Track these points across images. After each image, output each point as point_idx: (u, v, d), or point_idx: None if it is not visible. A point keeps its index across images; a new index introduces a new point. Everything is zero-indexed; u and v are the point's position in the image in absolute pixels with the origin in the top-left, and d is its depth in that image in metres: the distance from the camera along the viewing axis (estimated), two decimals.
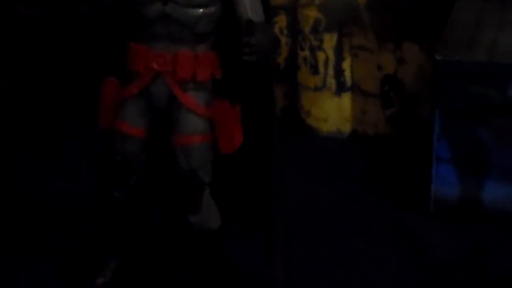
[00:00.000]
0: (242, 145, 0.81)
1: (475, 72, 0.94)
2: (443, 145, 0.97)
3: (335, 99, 1.26)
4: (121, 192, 0.81)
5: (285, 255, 0.86)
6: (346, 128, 1.27)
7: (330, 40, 1.24)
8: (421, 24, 1.16)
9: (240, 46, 0.72)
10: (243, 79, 0.79)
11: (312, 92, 1.26)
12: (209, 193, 0.81)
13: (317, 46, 1.22)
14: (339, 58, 1.24)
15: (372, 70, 1.22)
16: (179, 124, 0.78)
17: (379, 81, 1.22)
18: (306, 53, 1.22)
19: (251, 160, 0.82)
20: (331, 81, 1.25)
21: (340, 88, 1.25)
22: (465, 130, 0.96)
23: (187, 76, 0.77)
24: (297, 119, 1.28)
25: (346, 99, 1.25)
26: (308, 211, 1.07)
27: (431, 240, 0.98)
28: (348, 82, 1.24)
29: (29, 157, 1.15)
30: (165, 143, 0.80)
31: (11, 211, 0.99)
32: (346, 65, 1.23)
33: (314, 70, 1.25)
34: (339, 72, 1.24)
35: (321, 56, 1.23)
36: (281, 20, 1.23)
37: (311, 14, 1.22)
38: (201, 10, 0.74)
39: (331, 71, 1.25)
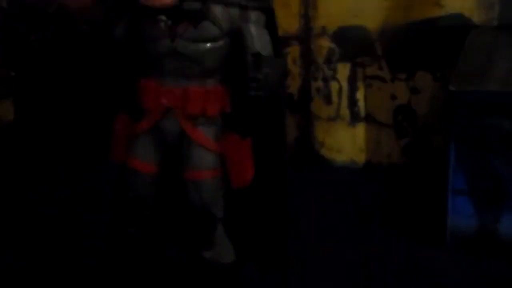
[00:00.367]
0: (254, 179, 0.80)
1: (489, 102, 0.93)
2: (459, 176, 0.96)
3: (349, 129, 1.26)
4: (135, 228, 0.81)
5: None
6: (360, 158, 1.26)
7: (343, 70, 1.24)
8: (433, 54, 1.16)
9: (247, 80, 0.72)
10: (253, 112, 0.78)
11: (325, 122, 1.26)
12: (222, 228, 0.81)
13: (330, 76, 1.22)
14: (353, 88, 1.24)
15: (386, 100, 1.22)
16: (189, 159, 0.78)
17: (393, 111, 1.22)
18: (319, 83, 1.22)
19: (263, 194, 0.82)
20: (345, 111, 1.25)
21: (354, 118, 1.25)
22: (481, 161, 0.95)
23: (197, 111, 0.76)
24: (310, 149, 1.28)
25: (360, 129, 1.25)
26: (323, 242, 1.06)
27: (448, 272, 0.97)
28: (362, 112, 1.24)
29: (42, 189, 1.15)
30: (177, 178, 0.80)
31: (24, 242, 0.99)
32: (360, 95, 1.23)
33: (328, 100, 1.25)
34: (353, 102, 1.24)
35: (334, 86, 1.23)
36: (294, 51, 1.23)
37: (324, 44, 1.22)
38: (209, 44, 0.74)
39: (344, 101, 1.25)
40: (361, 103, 1.23)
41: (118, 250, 0.84)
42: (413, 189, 1.16)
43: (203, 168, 0.77)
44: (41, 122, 1.26)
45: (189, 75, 0.75)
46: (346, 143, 1.25)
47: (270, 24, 0.78)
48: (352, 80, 1.22)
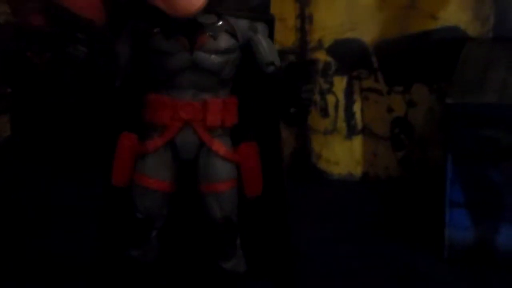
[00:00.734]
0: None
1: (486, 115, 0.93)
2: (456, 189, 0.96)
3: (346, 142, 1.26)
4: (139, 250, 0.79)
5: None
6: (358, 171, 1.27)
7: (340, 83, 1.24)
8: (429, 66, 1.17)
9: (294, 88, 0.71)
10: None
11: (322, 135, 1.26)
12: (238, 237, 0.81)
13: (327, 89, 1.22)
14: (350, 101, 1.24)
15: (382, 112, 1.22)
16: (209, 172, 0.77)
17: (390, 123, 1.23)
18: (316, 96, 1.23)
19: (263, 205, 0.82)
20: (342, 124, 1.25)
21: (351, 131, 1.25)
22: (478, 173, 0.95)
23: (216, 122, 0.76)
24: (308, 162, 1.28)
25: (357, 142, 1.25)
26: (321, 254, 1.06)
27: (446, 285, 0.97)
28: (359, 124, 1.24)
29: (38, 204, 1.14)
30: (190, 193, 0.79)
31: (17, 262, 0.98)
32: (356, 107, 1.23)
33: (325, 113, 1.25)
34: (349, 115, 1.24)
35: (331, 99, 1.24)
36: None
37: (321, 57, 1.22)
38: (227, 56, 0.74)
39: (341, 114, 1.25)
40: (357, 116, 1.23)
41: (118, 275, 0.82)
42: (411, 201, 1.16)
43: (224, 179, 0.77)
44: (38, 139, 1.26)
45: (206, 87, 0.74)
46: (343, 155, 1.25)
47: (270, 35, 0.79)
48: (348, 93, 1.22)
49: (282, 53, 1.21)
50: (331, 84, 1.22)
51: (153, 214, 0.78)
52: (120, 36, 0.73)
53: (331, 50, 1.20)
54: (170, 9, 0.64)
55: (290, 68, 0.73)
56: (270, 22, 0.78)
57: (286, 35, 1.21)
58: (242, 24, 0.74)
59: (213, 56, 0.73)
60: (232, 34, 0.74)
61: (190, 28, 0.71)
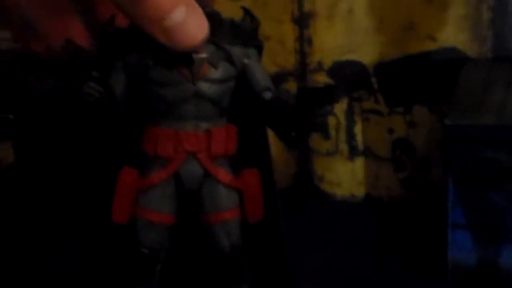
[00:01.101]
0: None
1: (485, 136, 0.93)
2: (458, 211, 0.96)
3: (348, 163, 1.25)
4: (143, 286, 0.76)
5: None
6: (360, 192, 1.26)
7: (340, 105, 1.23)
8: (429, 87, 1.16)
9: (313, 114, 0.67)
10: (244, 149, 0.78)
11: (324, 157, 1.26)
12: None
13: (327, 110, 1.22)
14: (351, 123, 1.24)
15: (383, 133, 1.22)
16: (215, 201, 0.75)
17: (391, 144, 1.22)
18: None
19: (261, 229, 0.82)
20: (343, 146, 1.25)
21: (353, 152, 1.24)
22: (479, 195, 0.95)
23: (220, 151, 0.73)
24: (310, 184, 1.28)
25: (358, 163, 1.25)
26: (324, 276, 1.06)
27: None
28: (360, 146, 1.24)
29: (38, 233, 1.15)
30: (193, 224, 0.76)
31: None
32: (357, 129, 1.23)
33: (326, 135, 1.26)
34: (350, 136, 1.24)
35: (332, 121, 1.24)
36: (291, 87, 1.23)
37: (321, 79, 1.22)
38: (226, 84, 0.72)
39: (342, 136, 1.25)
40: (359, 137, 1.23)
41: None
42: (414, 222, 1.16)
43: (230, 207, 0.75)
44: (41, 165, 1.27)
45: (207, 116, 0.72)
46: (345, 177, 1.25)
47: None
48: (349, 115, 1.22)
49: (282, 75, 1.22)
50: (332, 105, 1.22)
51: (157, 247, 0.75)
52: (112, 68, 0.71)
53: (331, 72, 1.21)
54: (172, 43, 0.62)
55: (305, 92, 0.69)
56: (259, 48, 0.77)
57: (285, 58, 1.21)
58: (237, 51, 0.73)
59: (215, 85, 0.71)
60: (230, 62, 0.73)
61: (190, 58, 0.71)
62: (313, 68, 1.20)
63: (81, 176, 1.00)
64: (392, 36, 1.15)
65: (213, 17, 0.72)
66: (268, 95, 0.73)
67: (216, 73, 0.71)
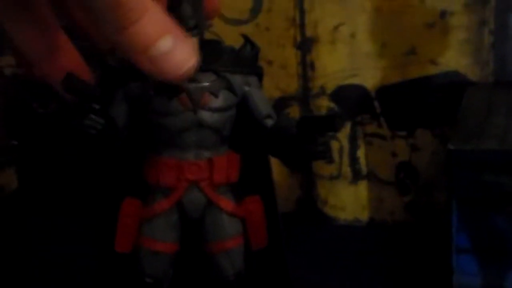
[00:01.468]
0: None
1: (488, 161, 0.93)
2: (462, 235, 0.96)
3: (352, 187, 1.25)
4: None
5: None
6: (364, 216, 1.25)
7: (343, 129, 1.24)
8: (431, 111, 1.16)
9: (315, 142, 0.67)
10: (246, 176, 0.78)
11: (327, 181, 1.26)
12: None
13: (331, 135, 1.22)
14: (354, 146, 1.24)
15: (387, 157, 1.21)
16: (218, 230, 0.75)
17: (394, 168, 1.22)
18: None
19: (264, 255, 0.81)
20: (347, 170, 1.24)
21: (356, 176, 1.24)
22: (483, 219, 0.95)
23: (223, 180, 0.74)
24: (313, 208, 1.28)
25: (362, 187, 1.24)
26: None
27: None
28: (364, 170, 1.23)
29: (42, 259, 1.14)
30: (196, 252, 0.77)
31: None
32: (360, 153, 1.23)
33: (329, 161, 1.26)
34: (354, 160, 1.24)
35: (335, 145, 1.24)
36: (294, 111, 1.23)
37: (324, 103, 1.22)
38: (227, 113, 0.73)
39: (346, 160, 1.24)
40: (362, 161, 1.22)
41: None
42: (418, 246, 1.16)
43: (233, 236, 0.75)
44: (44, 192, 1.27)
45: (208, 145, 0.73)
46: (348, 201, 1.25)
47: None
48: (352, 139, 1.22)
49: (285, 100, 1.22)
50: (334, 134, 1.22)
51: (160, 276, 0.75)
52: (113, 99, 0.71)
53: (333, 96, 1.21)
54: (158, 73, 0.60)
55: (307, 120, 0.69)
56: (260, 75, 0.78)
57: (288, 82, 1.21)
58: (237, 79, 0.73)
59: (216, 114, 0.72)
60: (231, 90, 0.73)
61: (191, 87, 0.71)
62: (316, 93, 1.20)
63: (84, 204, 1.00)
64: (394, 60, 1.15)
65: (213, 46, 0.73)
66: (269, 122, 0.74)
67: (217, 102, 0.72)
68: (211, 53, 0.71)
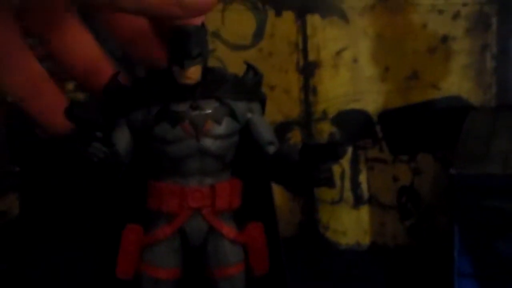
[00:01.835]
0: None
1: (490, 185, 0.92)
2: (465, 259, 0.95)
3: (353, 211, 1.25)
4: None
5: None
6: (366, 240, 1.25)
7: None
8: (433, 135, 1.16)
9: (317, 169, 0.66)
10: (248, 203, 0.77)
11: (329, 205, 1.26)
12: None
13: (332, 167, 1.21)
14: (355, 171, 1.24)
15: (388, 181, 1.22)
16: (220, 256, 0.75)
17: (396, 192, 1.22)
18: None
19: (266, 281, 0.81)
20: (348, 194, 1.24)
21: (358, 200, 1.24)
22: (485, 243, 0.94)
23: (225, 206, 0.74)
24: (315, 233, 1.28)
25: (364, 212, 1.24)
26: None
27: None
28: (365, 194, 1.23)
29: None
30: (197, 278, 0.77)
31: None
32: (362, 177, 1.23)
33: (331, 188, 1.25)
34: (355, 184, 1.24)
35: (337, 169, 1.24)
36: (296, 135, 1.24)
37: (325, 128, 1.22)
38: (230, 140, 0.73)
39: (347, 184, 1.24)
40: (364, 186, 1.22)
41: None
42: (420, 271, 1.15)
43: (235, 262, 0.75)
44: (46, 218, 1.27)
45: (211, 172, 0.73)
46: (350, 225, 1.25)
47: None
48: (354, 163, 1.22)
49: (287, 124, 1.22)
50: (337, 162, 1.22)
51: None
52: (116, 125, 0.71)
53: (335, 121, 1.21)
54: (192, 11, 0.63)
55: (309, 148, 0.68)
56: (262, 101, 0.78)
57: (291, 107, 1.21)
58: (240, 106, 0.73)
59: (218, 141, 0.72)
60: (234, 117, 0.73)
61: (194, 115, 0.72)
62: (318, 117, 1.21)
63: (86, 230, 1.00)
64: (396, 85, 1.15)
65: (216, 73, 0.73)
66: (271, 149, 0.73)
67: (219, 129, 0.72)
68: (214, 80, 0.71)
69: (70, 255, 1.22)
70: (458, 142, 1.01)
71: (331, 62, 1.18)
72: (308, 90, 1.20)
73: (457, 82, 1.12)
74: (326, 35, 1.17)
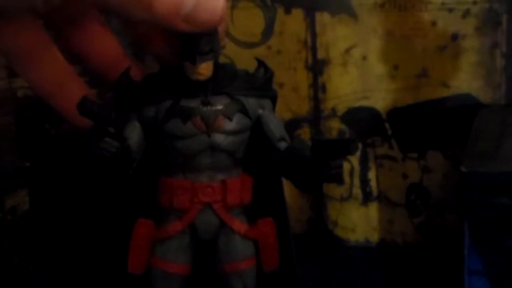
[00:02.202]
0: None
1: (500, 183, 0.92)
2: (475, 257, 0.95)
3: (362, 208, 1.25)
4: None
5: None
6: (374, 237, 1.25)
7: None
8: (443, 133, 1.16)
9: (328, 166, 0.67)
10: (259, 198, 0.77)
11: (338, 202, 1.26)
12: None
13: (342, 163, 1.22)
14: (364, 168, 1.24)
15: (398, 179, 1.22)
16: (231, 251, 0.75)
17: (405, 190, 1.22)
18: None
19: (276, 276, 0.81)
20: (357, 191, 1.24)
21: (367, 198, 1.24)
22: (496, 241, 0.94)
23: (236, 202, 0.74)
24: (324, 229, 1.28)
25: (373, 209, 1.24)
26: None
27: None
28: (374, 191, 1.23)
29: (53, 285, 1.14)
30: (208, 272, 0.77)
31: None
32: (371, 174, 1.23)
33: (341, 184, 1.24)
34: (365, 182, 1.24)
35: (346, 166, 1.23)
36: (305, 133, 1.24)
37: (334, 125, 1.22)
38: (241, 136, 0.73)
39: (357, 181, 1.25)
40: (373, 183, 1.23)
41: None
42: (429, 268, 1.15)
43: (246, 257, 0.75)
44: (56, 213, 1.27)
45: (222, 168, 0.73)
46: (359, 222, 1.25)
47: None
48: (363, 160, 1.23)
49: (296, 122, 1.22)
50: (347, 157, 1.22)
51: None
52: (128, 121, 0.71)
53: (345, 118, 1.21)
54: (197, 27, 0.64)
55: (320, 144, 0.68)
56: (273, 98, 0.78)
57: (299, 104, 1.21)
58: (251, 102, 0.73)
59: (229, 137, 0.72)
60: (245, 113, 0.73)
61: (205, 110, 0.72)
62: (327, 115, 1.21)
63: (97, 225, 1.01)
64: (405, 82, 1.15)
65: (227, 69, 0.73)
66: (282, 145, 0.74)
67: (230, 125, 0.72)
68: (225, 77, 0.72)
69: (80, 250, 1.22)
70: (468, 140, 1.01)
71: (340, 59, 1.18)
72: (317, 88, 1.20)
73: (467, 80, 1.12)
74: (335, 33, 1.18)
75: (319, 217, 1.27)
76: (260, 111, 0.74)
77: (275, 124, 0.75)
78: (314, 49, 1.19)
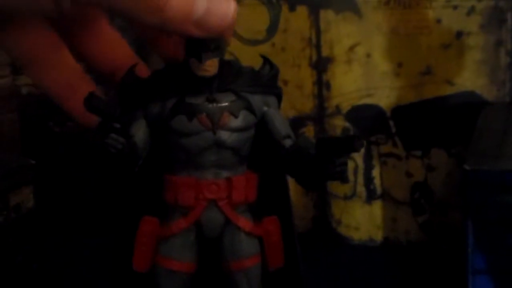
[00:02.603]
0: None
1: (505, 181, 0.92)
2: (478, 255, 0.95)
3: (366, 207, 1.25)
4: None
5: None
6: (378, 236, 1.25)
7: None
8: (447, 131, 1.16)
9: (333, 163, 0.66)
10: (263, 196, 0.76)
11: (342, 200, 1.26)
12: None
13: (347, 160, 1.21)
14: (368, 166, 1.24)
15: (402, 177, 1.21)
16: (237, 249, 0.75)
17: (409, 188, 1.22)
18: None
19: (279, 275, 0.81)
20: (361, 189, 1.24)
21: (371, 196, 1.24)
22: (499, 239, 0.94)
23: (241, 199, 0.74)
24: (328, 228, 1.28)
25: (377, 207, 1.24)
26: None
27: None
28: (378, 189, 1.23)
29: (57, 283, 1.14)
30: (213, 270, 0.76)
31: None
32: (375, 173, 1.23)
33: (345, 182, 1.24)
34: (369, 180, 1.24)
35: (350, 164, 1.23)
36: (309, 131, 1.23)
37: (338, 123, 1.22)
38: (246, 133, 0.73)
39: (360, 179, 1.24)
40: (377, 181, 1.22)
41: None
42: (433, 267, 1.15)
43: (251, 255, 0.75)
44: (61, 211, 1.27)
45: (227, 165, 0.73)
46: (363, 220, 1.25)
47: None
48: (367, 158, 1.22)
49: (300, 119, 1.22)
50: (351, 155, 1.22)
51: None
52: (133, 117, 0.71)
53: (349, 116, 1.21)
54: (209, 31, 0.63)
55: (325, 142, 0.68)
56: (279, 95, 0.78)
57: (304, 102, 1.21)
58: (256, 99, 0.73)
59: (235, 134, 0.71)
60: (250, 110, 0.73)
61: (211, 107, 0.72)
62: (331, 112, 1.21)
63: (102, 223, 1.01)
64: (410, 80, 1.15)
65: (233, 66, 0.73)
66: (288, 142, 0.74)
67: (236, 122, 0.72)
68: (231, 74, 0.72)
69: (85, 248, 1.22)
70: (472, 138, 1.01)
71: (344, 57, 1.18)
72: (321, 85, 1.20)
73: (471, 77, 1.12)
74: (339, 30, 1.17)
75: (323, 215, 1.27)
76: (265, 108, 0.74)
77: (280, 122, 0.75)
78: (318, 47, 1.19)
